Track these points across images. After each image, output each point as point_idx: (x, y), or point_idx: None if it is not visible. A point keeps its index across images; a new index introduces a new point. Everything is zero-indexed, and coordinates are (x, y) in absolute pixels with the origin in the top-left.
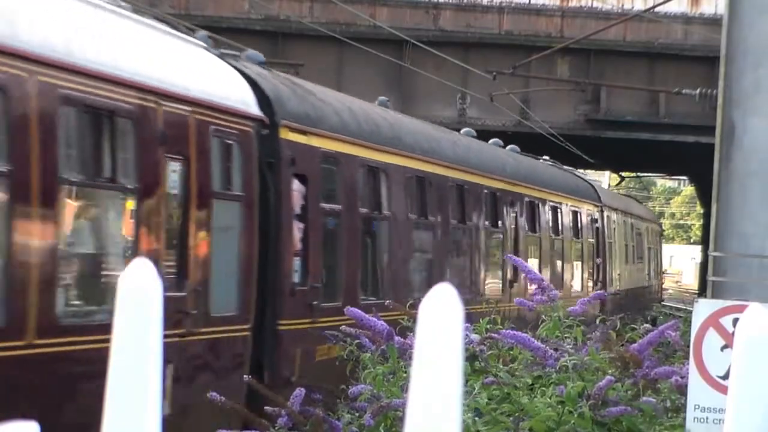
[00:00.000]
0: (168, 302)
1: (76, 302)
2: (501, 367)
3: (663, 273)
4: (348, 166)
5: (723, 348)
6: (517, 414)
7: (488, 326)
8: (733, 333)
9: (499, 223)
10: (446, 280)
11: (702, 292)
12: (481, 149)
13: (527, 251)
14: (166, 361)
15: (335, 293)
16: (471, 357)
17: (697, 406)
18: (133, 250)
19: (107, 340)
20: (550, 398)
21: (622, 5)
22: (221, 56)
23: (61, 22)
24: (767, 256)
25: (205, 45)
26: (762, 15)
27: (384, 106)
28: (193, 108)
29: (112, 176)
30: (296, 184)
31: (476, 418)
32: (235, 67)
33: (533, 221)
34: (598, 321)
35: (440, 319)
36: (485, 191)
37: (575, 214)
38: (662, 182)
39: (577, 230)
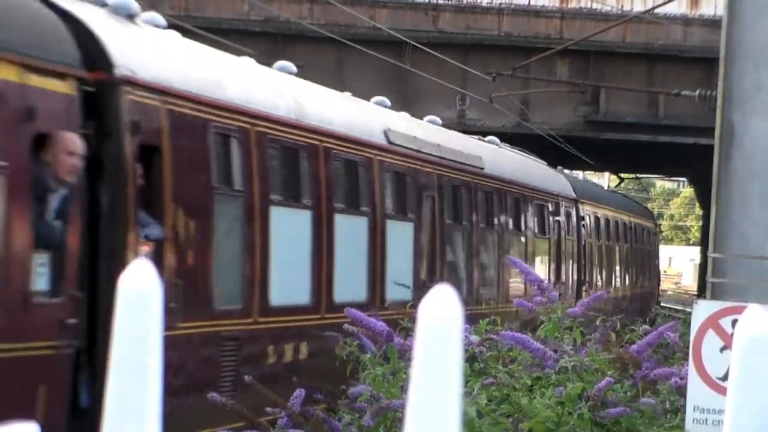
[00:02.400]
0: None
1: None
2: (500, 368)
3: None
4: None
5: (722, 349)
6: (516, 415)
7: (488, 327)
8: (732, 334)
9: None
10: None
11: (701, 293)
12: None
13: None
14: None
15: None
16: (470, 358)
17: (696, 407)
18: None
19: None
20: (549, 399)
21: (622, 6)
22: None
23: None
24: (767, 257)
25: None
26: (762, 16)
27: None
28: None
29: None
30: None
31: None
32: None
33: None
34: (597, 322)
35: (439, 319)
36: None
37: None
38: (661, 183)
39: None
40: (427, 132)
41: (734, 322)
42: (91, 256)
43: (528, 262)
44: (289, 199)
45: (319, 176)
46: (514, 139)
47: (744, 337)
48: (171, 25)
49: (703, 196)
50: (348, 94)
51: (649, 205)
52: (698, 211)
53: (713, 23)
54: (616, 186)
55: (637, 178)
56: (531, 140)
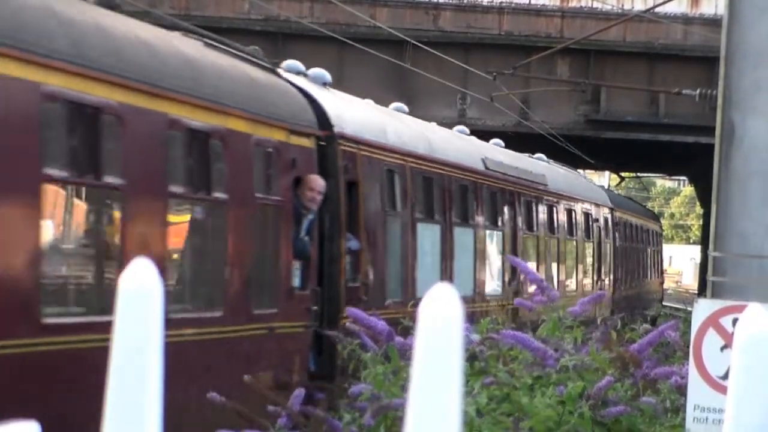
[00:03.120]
0: None
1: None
2: (501, 367)
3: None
4: None
5: (723, 348)
6: (517, 414)
7: (489, 326)
8: (732, 333)
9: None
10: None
11: (702, 292)
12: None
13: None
14: None
15: None
16: (471, 357)
17: (696, 406)
18: None
19: None
20: (549, 398)
21: (622, 6)
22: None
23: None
24: (767, 256)
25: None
26: (762, 15)
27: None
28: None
29: None
30: None
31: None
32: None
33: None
34: (599, 321)
35: (440, 319)
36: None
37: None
38: (662, 182)
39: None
40: (506, 156)
41: (735, 321)
42: (320, 261)
43: (578, 262)
44: (427, 216)
45: (444, 198)
46: (514, 138)
47: (744, 335)
48: (171, 25)
49: (704, 195)
50: (462, 129)
51: (649, 204)
52: (699, 210)
53: (714, 22)
54: (617, 185)
55: (637, 177)
56: (531, 139)
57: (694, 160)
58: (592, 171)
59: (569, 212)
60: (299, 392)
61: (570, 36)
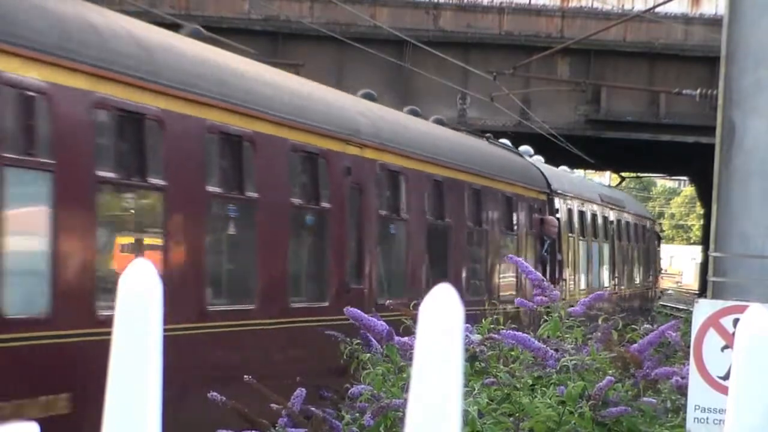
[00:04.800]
0: None
1: None
2: (501, 367)
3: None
4: None
5: (723, 348)
6: (517, 414)
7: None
8: (733, 333)
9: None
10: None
11: (702, 292)
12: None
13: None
14: None
15: None
16: (471, 357)
17: (697, 407)
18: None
19: None
20: (550, 398)
21: (623, 5)
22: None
23: None
24: (767, 256)
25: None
26: (763, 15)
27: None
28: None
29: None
30: None
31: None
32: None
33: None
34: (600, 321)
35: (440, 319)
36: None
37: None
38: (662, 182)
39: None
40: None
41: (735, 322)
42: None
43: (634, 260)
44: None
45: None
46: (515, 138)
47: (745, 336)
48: (171, 24)
49: (704, 195)
50: (527, 149)
51: (650, 204)
52: (699, 210)
53: (714, 22)
54: (617, 185)
55: (638, 177)
56: (532, 139)
57: (695, 160)
58: (593, 171)
59: (635, 227)
60: (300, 392)
61: (570, 36)
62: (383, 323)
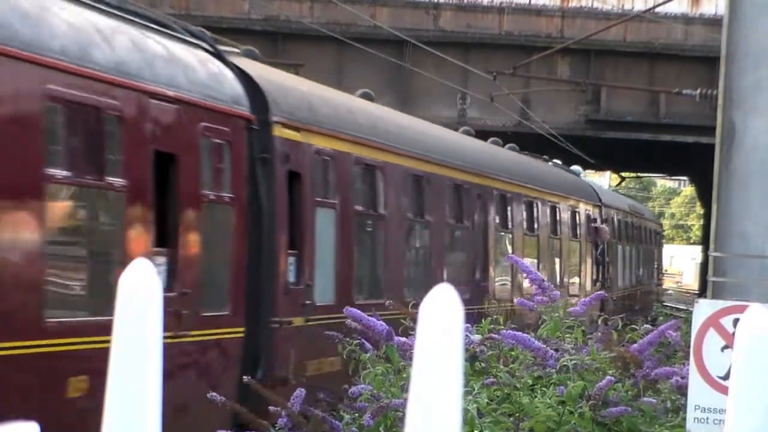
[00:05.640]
0: None
1: None
2: (501, 367)
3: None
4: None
5: (723, 348)
6: (517, 414)
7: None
8: (733, 333)
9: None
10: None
11: (702, 292)
12: None
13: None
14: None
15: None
16: (471, 357)
17: (697, 407)
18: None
19: None
20: (550, 398)
21: (622, 5)
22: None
23: None
24: (767, 256)
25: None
26: (763, 15)
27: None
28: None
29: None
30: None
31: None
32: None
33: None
34: (600, 321)
35: (440, 319)
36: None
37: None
38: (662, 182)
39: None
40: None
41: (735, 322)
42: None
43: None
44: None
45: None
46: (515, 138)
47: (745, 336)
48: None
49: (705, 195)
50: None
51: (650, 204)
52: (699, 210)
53: (714, 22)
54: (617, 185)
55: (638, 177)
56: (532, 139)
57: (695, 160)
58: (593, 171)
59: (648, 232)
60: (299, 392)
61: (570, 36)
62: (383, 323)
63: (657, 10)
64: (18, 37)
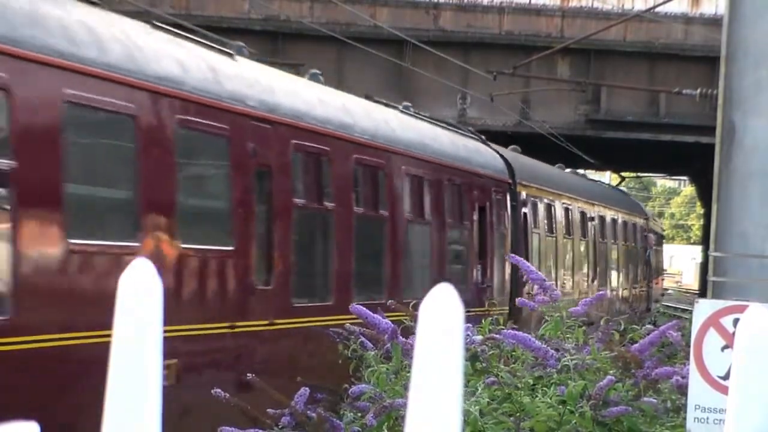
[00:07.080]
0: None
1: None
2: (502, 367)
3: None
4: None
5: (723, 348)
6: (518, 414)
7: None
8: (733, 333)
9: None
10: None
11: (702, 292)
12: None
13: None
14: None
15: None
16: (472, 357)
17: (697, 407)
18: None
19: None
20: (551, 398)
21: (623, 5)
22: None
23: None
24: (767, 256)
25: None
26: (763, 15)
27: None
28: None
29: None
30: None
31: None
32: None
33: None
34: (601, 321)
35: (441, 319)
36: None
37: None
38: (662, 182)
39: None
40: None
41: (735, 321)
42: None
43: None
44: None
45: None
46: (515, 138)
47: (745, 336)
48: (171, 24)
49: (704, 195)
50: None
51: (650, 204)
52: (699, 210)
53: (714, 22)
54: (617, 185)
55: (638, 176)
56: (532, 139)
57: (695, 160)
58: (593, 171)
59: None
60: (303, 391)
61: (570, 36)
62: (388, 321)
63: (657, 9)
64: None
